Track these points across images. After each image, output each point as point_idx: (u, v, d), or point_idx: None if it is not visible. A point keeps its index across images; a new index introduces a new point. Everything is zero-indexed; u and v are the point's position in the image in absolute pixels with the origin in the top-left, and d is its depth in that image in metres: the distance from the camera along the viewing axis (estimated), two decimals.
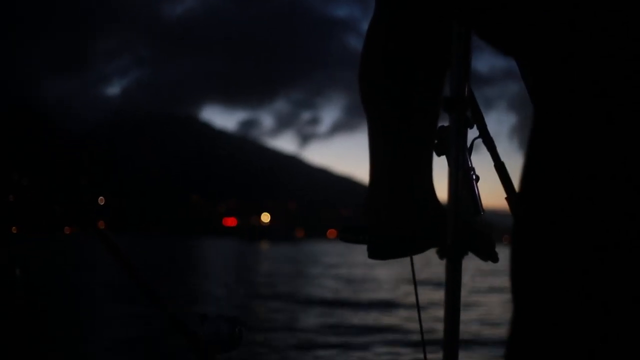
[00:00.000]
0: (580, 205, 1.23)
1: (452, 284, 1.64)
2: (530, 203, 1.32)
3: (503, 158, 1.92)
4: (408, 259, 1.90)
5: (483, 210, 1.75)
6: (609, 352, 1.21)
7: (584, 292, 1.22)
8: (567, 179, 1.26)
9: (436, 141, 1.79)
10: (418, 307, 2.01)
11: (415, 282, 1.98)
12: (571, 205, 1.24)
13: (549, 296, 1.26)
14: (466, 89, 1.70)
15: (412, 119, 1.79)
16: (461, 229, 1.65)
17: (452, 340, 1.64)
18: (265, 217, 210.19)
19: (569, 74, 1.30)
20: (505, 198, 1.86)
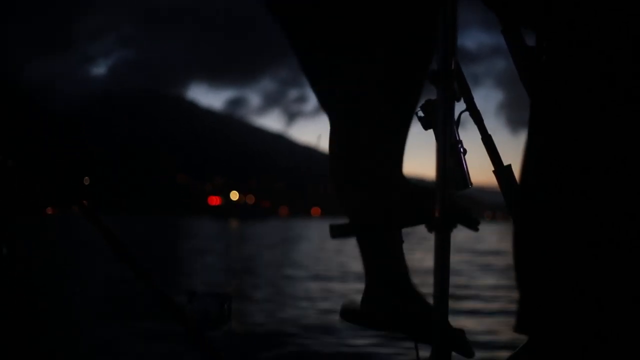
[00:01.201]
0: (573, 200, 1.24)
1: (441, 255, 1.64)
2: (527, 197, 1.33)
3: (490, 135, 1.91)
4: None
5: (471, 184, 1.75)
6: (602, 347, 1.22)
7: (579, 287, 1.23)
8: (560, 173, 1.26)
9: (423, 115, 1.78)
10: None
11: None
12: (564, 200, 1.25)
13: (547, 291, 1.27)
14: (452, 62, 1.69)
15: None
16: (449, 202, 1.65)
17: (441, 310, 1.65)
18: (234, 195, 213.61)
19: (564, 67, 1.30)
20: (493, 171, 1.86)
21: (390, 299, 1.85)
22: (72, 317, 7.45)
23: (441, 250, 1.66)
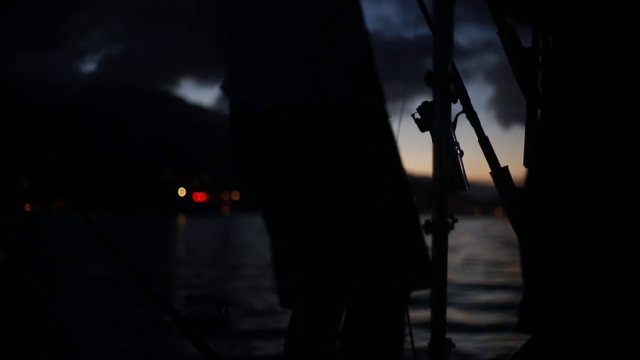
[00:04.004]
0: (578, 200, 1.24)
1: (438, 257, 1.64)
2: (532, 197, 1.34)
3: (487, 136, 1.91)
4: None
5: (468, 186, 1.75)
6: (605, 346, 1.23)
7: (582, 287, 1.23)
8: (565, 173, 1.27)
9: (419, 116, 1.78)
10: None
11: None
12: (570, 200, 1.25)
13: (551, 290, 1.28)
14: (449, 64, 1.68)
15: None
16: (446, 204, 1.65)
17: (439, 313, 1.65)
18: (182, 192, 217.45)
19: (570, 67, 1.30)
20: (490, 173, 1.86)
21: None
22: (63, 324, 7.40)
23: (438, 252, 1.66)
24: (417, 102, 1.81)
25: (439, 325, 1.66)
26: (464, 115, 1.89)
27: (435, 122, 1.66)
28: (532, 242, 1.34)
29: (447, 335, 1.72)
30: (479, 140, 1.91)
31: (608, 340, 1.22)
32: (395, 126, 1.85)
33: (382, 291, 1.76)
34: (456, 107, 1.82)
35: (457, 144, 1.75)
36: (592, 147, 1.23)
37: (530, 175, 1.38)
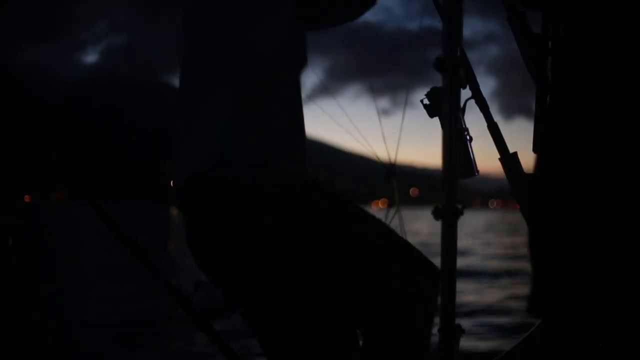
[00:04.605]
0: (587, 186, 1.24)
1: (448, 242, 1.64)
2: (541, 184, 1.34)
3: (496, 122, 1.90)
4: None
5: (478, 171, 1.74)
6: (615, 330, 1.23)
7: (592, 270, 1.24)
8: (575, 161, 1.27)
9: (429, 102, 1.77)
10: None
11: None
12: (579, 186, 1.25)
13: (560, 273, 1.28)
14: (458, 50, 1.68)
15: None
16: (455, 190, 1.65)
17: (449, 299, 1.66)
18: None
19: (582, 55, 1.30)
20: (499, 159, 1.86)
21: None
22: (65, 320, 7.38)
23: (448, 238, 1.66)
24: (420, 94, 1.81)
25: (448, 311, 1.67)
26: (472, 103, 1.88)
27: (445, 108, 1.66)
28: (541, 228, 1.34)
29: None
30: (488, 126, 1.91)
31: (608, 339, 1.22)
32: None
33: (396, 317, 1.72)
34: (464, 93, 1.81)
35: (467, 129, 1.74)
36: (600, 134, 1.23)
37: (539, 161, 1.38)
